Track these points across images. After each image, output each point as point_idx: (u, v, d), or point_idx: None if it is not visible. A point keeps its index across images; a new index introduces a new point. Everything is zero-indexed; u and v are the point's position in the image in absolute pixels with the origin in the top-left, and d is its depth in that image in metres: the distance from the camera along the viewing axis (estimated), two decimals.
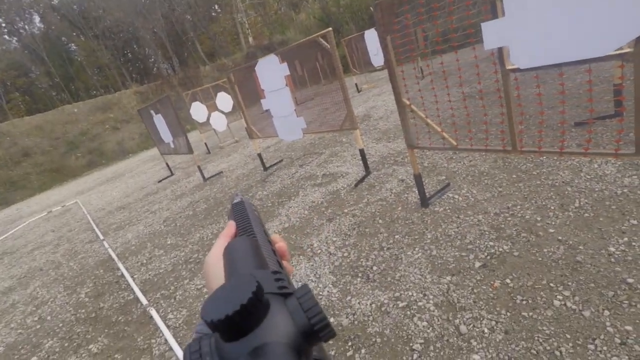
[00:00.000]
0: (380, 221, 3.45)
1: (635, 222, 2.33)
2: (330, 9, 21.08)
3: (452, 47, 2.47)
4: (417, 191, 3.50)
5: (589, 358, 1.64)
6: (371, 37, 10.85)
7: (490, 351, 1.83)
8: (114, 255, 5.01)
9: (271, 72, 5.03)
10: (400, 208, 3.56)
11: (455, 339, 1.97)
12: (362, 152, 4.63)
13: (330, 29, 4.20)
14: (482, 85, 2.73)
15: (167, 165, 9.77)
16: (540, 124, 3.69)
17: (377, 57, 10.92)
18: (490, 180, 3.47)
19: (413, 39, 2.74)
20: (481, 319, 2.03)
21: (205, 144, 10.54)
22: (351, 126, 4.53)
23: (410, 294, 2.41)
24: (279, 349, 0.26)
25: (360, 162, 5.23)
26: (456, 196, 3.41)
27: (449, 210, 3.22)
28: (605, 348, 1.66)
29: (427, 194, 3.46)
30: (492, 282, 2.27)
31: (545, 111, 4.12)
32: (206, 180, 7.29)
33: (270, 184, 5.65)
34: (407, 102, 3.06)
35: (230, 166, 7.90)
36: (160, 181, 9.40)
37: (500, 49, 2.27)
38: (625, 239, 2.23)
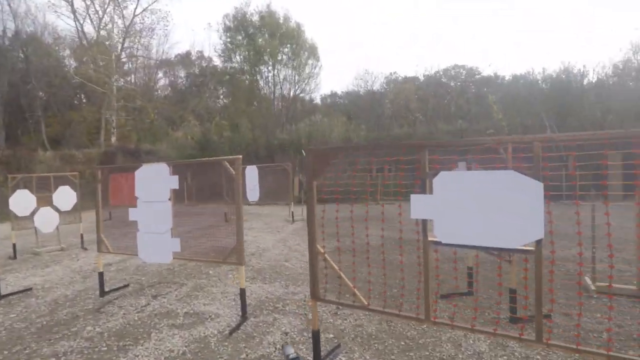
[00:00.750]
0: None
1: None
2: (212, 136, 21.89)
3: (385, 199, 2.59)
4: (305, 348, 3.08)
5: None
6: (251, 173, 11.29)
7: None
8: None
9: (156, 181, 4.43)
10: None
11: None
12: (242, 292, 4.08)
13: (240, 156, 4.11)
14: (402, 251, 2.85)
15: None
16: (435, 294, 3.98)
17: (253, 192, 11.19)
18: (380, 346, 3.35)
19: (340, 189, 2.81)
20: None
21: (14, 244, 7.84)
22: (238, 261, 4.07)
23: None
24: None
25: (233, 302, 4.58)
26: None
27: None
28: None
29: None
30: None
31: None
32: (0, 298, 5.12)
33: (108, 317, 4.28)
34: (321, 250, 2.93)
35: (47, 282, 5.86)
36: None
37: (424, 221, 2.47)
38: None
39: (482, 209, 2.21)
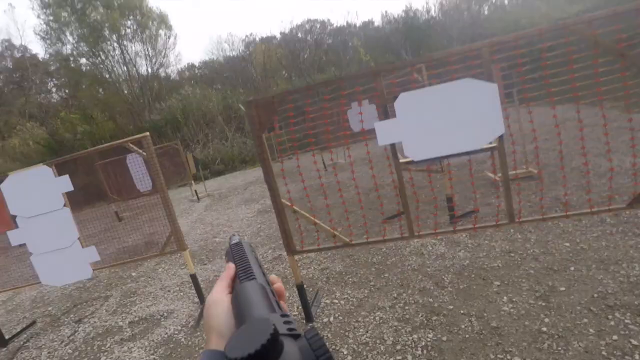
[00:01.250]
0: None
1: (498, 282, 2.85)
2: (63, 134, 18.14)
3: (345, 143, 2.54)
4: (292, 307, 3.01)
5: None
6: (134, 161, 9.90)
7: None
8: None
9: (37, 189, 3.51)
10: None
11: None
12: (194, 278, 3.68)
13: (147, 133, 3.50)
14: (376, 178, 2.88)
15: None
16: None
17: (142, 181, 9.91)
18: (354, 278, 3.47)
19: (296, 137, 2.63)
20: None
21: None
22: (179, 247, 3.61)
23: None
24: None
25: (181, 293, 4.14)
26: (335, 301, 3.16)
27: (341, 317, 2.90)
28: None
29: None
30: None
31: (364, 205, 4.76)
32: None
33: None
34: (289, 203, 2.77)
35: None
36: None
37: (393, 145, 2.52)
38: (505, 298, 2.65)
39: (446, 120, 2.34)
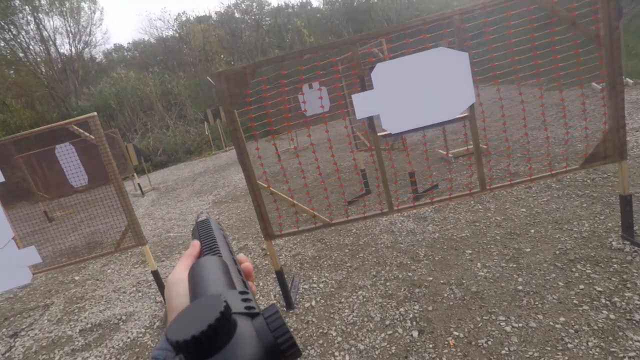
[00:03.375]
0: None
1: (469, 251, 2.97)
2: None
3: (323, 118, 2.43)
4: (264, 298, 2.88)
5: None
6: (65, 153, 8.84)
7: None
8: None
9: None
10: None
11: None
12: (156, 274, 3.38)
13: (95, 113, 3.10)
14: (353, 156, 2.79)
15: None
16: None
17: (77, 176, 8.91)
18: (329, 261, 3.42)
19: (271, 112, 2.45)
20: None
21: None
22: (138, 241, 3.28)
23: None
24: None
25: (139, 294, 3.80)
26: (314, 285, 3.09)
27: (323, 301, 2.83)
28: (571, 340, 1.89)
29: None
30: (447, 342, 2.11)
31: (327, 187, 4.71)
32: None
33: None
34: (265, 185, 2.61)
35: None
36: None
37: (370, 119, 2.46)
38: (478, 264, 2.77)
39: (422, 90, 2.33)
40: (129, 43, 28.33)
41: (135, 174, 9.65)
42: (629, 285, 2.19)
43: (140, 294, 3.76)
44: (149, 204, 8.31)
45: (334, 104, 4.69)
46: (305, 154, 8.02)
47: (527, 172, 2.79)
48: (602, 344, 1.86)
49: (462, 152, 5.44)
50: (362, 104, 2.37)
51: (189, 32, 26.97)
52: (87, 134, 3.12)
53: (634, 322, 1.93)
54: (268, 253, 3.94)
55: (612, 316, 2.00)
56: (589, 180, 3.67)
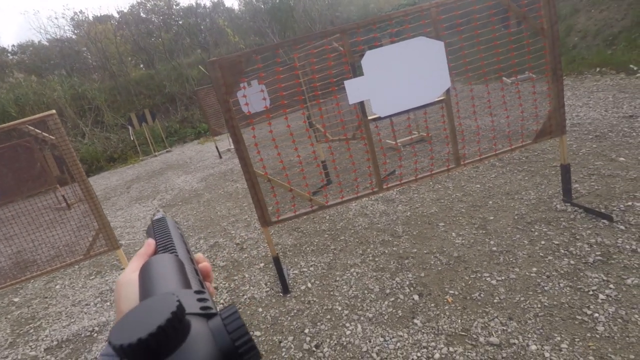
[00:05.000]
0: (260, 326, 2.52)
1: (442, 224, 3.30)
2: None
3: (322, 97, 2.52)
4: (259, 288, 2.90)
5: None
6: None
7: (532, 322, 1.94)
8: None
9: None
10: (270, 312, 2.78)
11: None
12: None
13: (54, 111, 2.79)
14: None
15: None
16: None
17: None
18: (312, 247, 3.52)
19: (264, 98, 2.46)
20: (485, 324, 2.08)
21: None
22: (110, 246, 3.04)
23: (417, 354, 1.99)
24: None
25: (107, 304, 3.50)
26: (304, 270, 3.16)
27: (317, 282, 2.93)
28: (527, 297, 2.26)
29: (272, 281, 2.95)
30: (445, 300, 2.37)
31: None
32: None
33: None
34: (262, 172, 2.62)
35: None
36: None
37: (361, 103, 2.61)
38: (453, 234, 3.10)
39: (406, 75, 2.56)
40: (13, 46, 24.44)
41: (57, 186, 8.63)
42: (577, 237, 2.65)
43: (108, 303, 3.47)
44: (80, 215, 7.51)
45: (294, 98, 4.77)
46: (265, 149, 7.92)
47: (477, 152, 3.18)
48: (570, 283, 2.25)
49: (407, 140, 5.91)
50: (354, 90, 2.52)
51: (89, 32, 24.05)
52: (46, 134, 2.80)
53: (589, 264, 2.37)
54: (244, 247, 3.91)
55: (572, 262, 2.43)
56: (524, 158, 4.27)
